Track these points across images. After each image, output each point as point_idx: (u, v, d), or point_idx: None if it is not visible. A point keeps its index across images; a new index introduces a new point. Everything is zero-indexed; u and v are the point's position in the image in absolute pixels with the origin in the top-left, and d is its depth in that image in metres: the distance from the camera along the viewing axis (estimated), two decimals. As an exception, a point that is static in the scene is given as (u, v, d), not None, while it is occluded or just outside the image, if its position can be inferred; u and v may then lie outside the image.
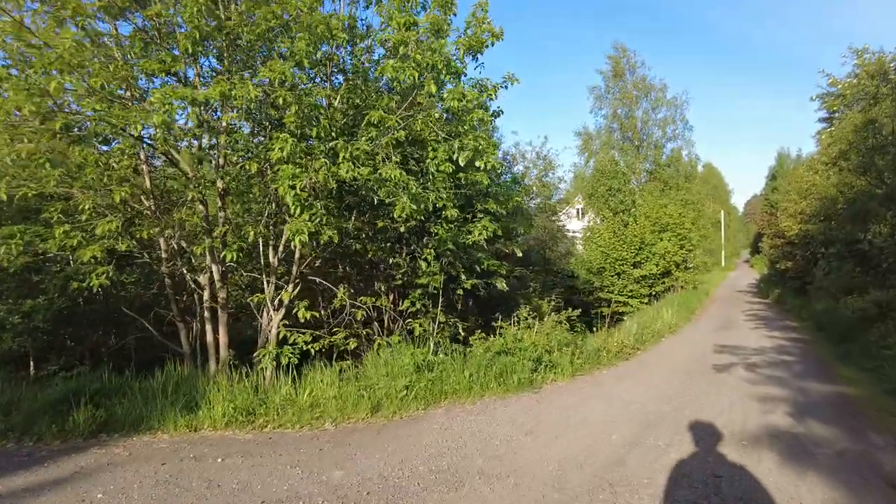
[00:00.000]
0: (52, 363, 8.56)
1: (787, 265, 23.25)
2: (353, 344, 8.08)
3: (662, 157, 30.14)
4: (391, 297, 9.54)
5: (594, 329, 11.98)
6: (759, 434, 5.36)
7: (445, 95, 6.18)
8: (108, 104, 5.80)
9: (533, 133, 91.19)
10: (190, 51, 5.93)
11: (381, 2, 7.28)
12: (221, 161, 7.47)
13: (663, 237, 22.93)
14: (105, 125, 5.89)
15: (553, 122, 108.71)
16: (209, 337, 8.03)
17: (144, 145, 7.27)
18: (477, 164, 6.50)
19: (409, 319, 9.08)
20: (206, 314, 8.08)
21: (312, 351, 7.67)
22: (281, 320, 7.71)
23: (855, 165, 12.60)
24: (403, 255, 9.17)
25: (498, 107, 9.78)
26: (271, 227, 7.91)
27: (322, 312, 8.74)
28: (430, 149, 7.21)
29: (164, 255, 8.34)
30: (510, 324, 8.84)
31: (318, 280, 8.49)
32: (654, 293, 22.22)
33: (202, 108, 6.62)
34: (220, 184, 7.45)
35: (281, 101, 6.12)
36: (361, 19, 8.73)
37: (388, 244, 8.91)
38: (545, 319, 9.10)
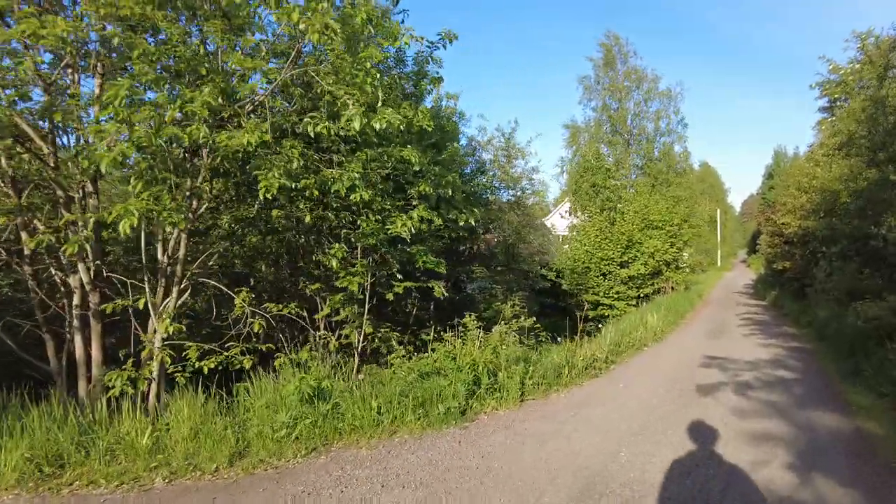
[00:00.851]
0: None
1: (785, 265, 21.67)
2: (247, 362, 6.47)
3: (654, 151, 28.61)
4: (319, 303, 7.95)
5: (579, 336, 10.40)
6: (748, 506, 3.78)
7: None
8: None
9: (531, 131, 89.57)
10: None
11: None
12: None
13: (653, 235, 21.37)
14: None
15: (553, 121, 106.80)
16: (79, 351, 6.44)
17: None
18: (375, 124, 4.88)
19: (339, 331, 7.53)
20: (76, 323, 6.48)
21: (206, 370, 6.11)
22: (166, 331, 6.10)
23: (864, 150, 11.03)
24: (325, 251, 7.57)
25: (437, 72, 8.25)
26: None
27: (223, 322, 7.19)
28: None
29: (26, 252, 6.73)
30: (454, 335, 7.26)
31: (212, 283, 6.92)
32: (642, 295, 20.65)
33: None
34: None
35: (116, 40, 4.53)
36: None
37: (300, 236, 7.32)
38: (497, 328, 7.50)
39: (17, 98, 5.36)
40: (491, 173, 12.58)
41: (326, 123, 4.96)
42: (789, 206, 20.57)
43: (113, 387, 5.56)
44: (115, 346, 7.16)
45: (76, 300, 6.34)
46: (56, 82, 5.74)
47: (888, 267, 10.07)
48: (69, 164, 6.04)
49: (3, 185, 6.02)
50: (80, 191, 6.04)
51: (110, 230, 6.07)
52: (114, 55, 5.34)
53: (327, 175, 6.01)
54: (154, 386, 5.87)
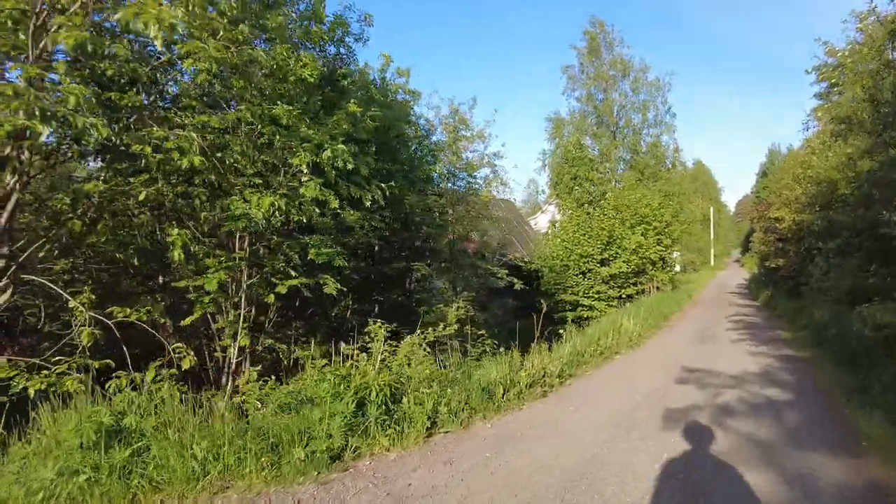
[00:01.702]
0: None
1: (779, 263, 20.17)
2: (71, 384, 4.87)
3: (641, 143, 27.12)
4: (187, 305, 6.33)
5: (537, 342, 8.87)
6: None
7: None
8: None
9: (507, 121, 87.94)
10: None
11: None
12: None
13: (636, 230, 19.84)
14: None
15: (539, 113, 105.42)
16: None
17: None
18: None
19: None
20: None
21: (32, 391, 4.56)
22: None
23: (869, 129, 9.54)
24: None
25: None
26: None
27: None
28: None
29: None
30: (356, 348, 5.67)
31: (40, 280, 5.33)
32: (624, 295, 19.11)
33: None
34: None
35: None
36: None
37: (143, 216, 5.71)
38: (409, 339, 5.92)
39: None
40: (445, 159, 10.99)
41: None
42: (783, 198, 19.07)
43: None
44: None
45: None
46: None
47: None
48: None
49: None
50: None
51: None
52: None
53: (154, 134, 4.42)
54: None
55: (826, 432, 5.26)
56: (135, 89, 4.79)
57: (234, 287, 5.88)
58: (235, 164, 5.26)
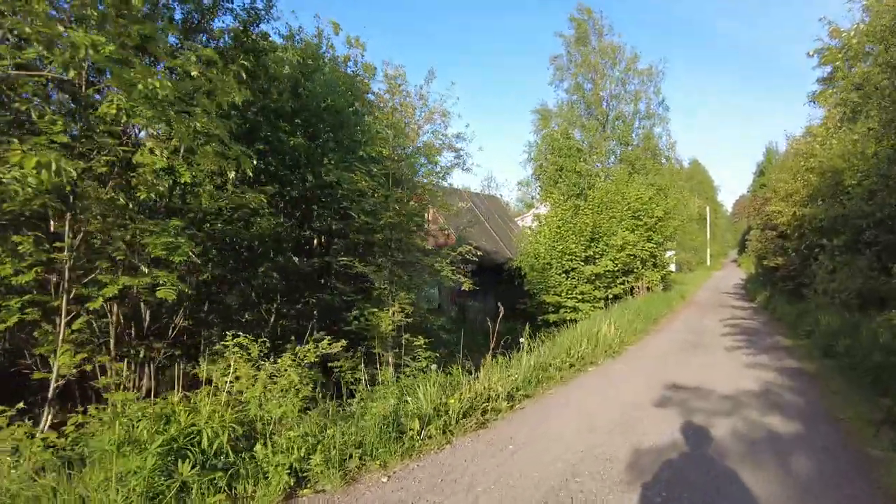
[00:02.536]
0: None
1: (777, 261, 18.70)
2: None
3: (632, 135, 25.64)
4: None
5: (491, 354, 7.44)
6: None
7: None
8: None
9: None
10: None
11: None
12: None
13: (624, 225, 18.38)
14: None
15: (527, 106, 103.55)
16: None
17: None
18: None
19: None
20: None
21: None
22: None
23: (887, 107, 8.09)
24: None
25: None
26: None
27: None
28: None
29: None
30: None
31: None
32: (610, 296, 17.64)
33: None
34: None
35: None
36: None
37: None
38: (286, 358, 4.41)
39: None
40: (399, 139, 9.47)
41: None
42: (782, 192, 17.60)
43: None
44: None
45: None
46: None
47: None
48: None
49: None
50: None
51: None
52: None
53: None
54: None
55: (853, 488, 3.78)
56: None
57: (57, 287, 4.38)
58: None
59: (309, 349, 4.55)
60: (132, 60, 3.88)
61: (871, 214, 9.05)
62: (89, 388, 4.57)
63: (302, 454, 3.68)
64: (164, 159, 4.10)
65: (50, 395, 4.22)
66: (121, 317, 4.70)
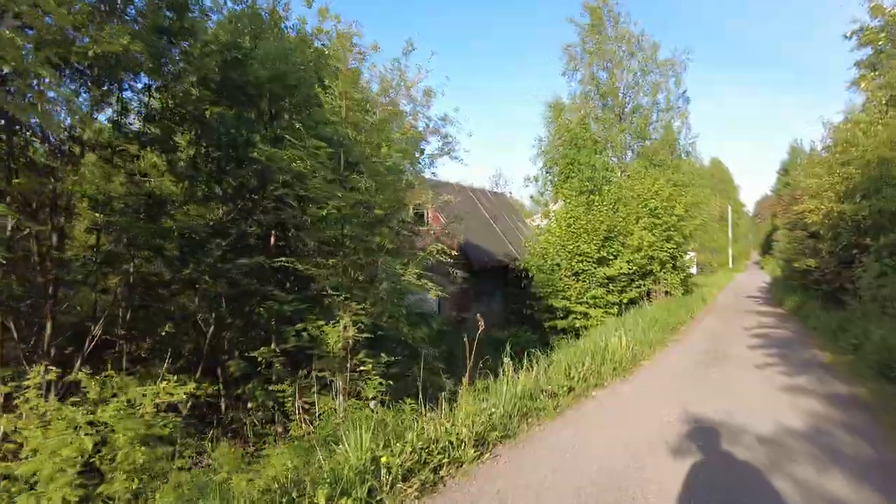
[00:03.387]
0: None
1: (809, 263, 16.94)
2: None
3: (650, 129, 23.96)
4: None
5: (468, 377, 6.25)
6: None
7: None
8: None
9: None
10: None
11: None
12: None
13: (642, 224, 16.89)
14: None
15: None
16: None
17: None
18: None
19: None
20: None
21: None
22: None
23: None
24: None
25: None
26: None
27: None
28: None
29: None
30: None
31: None
32: (625, 301, 16.16)
33: None
34: None
35: None
36: None
37: None
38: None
39: None
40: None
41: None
42: (814, 188, 15.89)
43: None
44: None
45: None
46: None
47: None
48: None
49: None
50: None
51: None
52: None
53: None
54: None
55: None
56: None
57: None
58: None
59: (148, 390, 3.30)
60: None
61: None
62: None
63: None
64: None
65: None
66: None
